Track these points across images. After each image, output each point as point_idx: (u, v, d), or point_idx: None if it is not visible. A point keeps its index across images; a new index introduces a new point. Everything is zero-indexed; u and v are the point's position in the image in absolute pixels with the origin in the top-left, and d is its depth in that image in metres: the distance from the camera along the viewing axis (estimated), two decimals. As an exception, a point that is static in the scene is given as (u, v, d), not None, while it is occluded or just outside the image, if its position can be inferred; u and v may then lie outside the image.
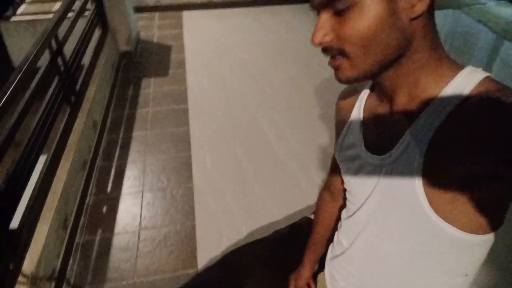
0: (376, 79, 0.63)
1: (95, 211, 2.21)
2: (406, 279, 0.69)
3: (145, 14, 4.75)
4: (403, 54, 0.56)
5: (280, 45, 4.10)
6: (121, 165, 2.54)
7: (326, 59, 0.64)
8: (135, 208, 2.24)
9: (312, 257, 1.05)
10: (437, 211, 0.58)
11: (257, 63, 3.75)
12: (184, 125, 2.89)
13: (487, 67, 3.88)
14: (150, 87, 3.35)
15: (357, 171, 0.71)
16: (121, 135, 2.81)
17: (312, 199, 2.25)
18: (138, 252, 1.98)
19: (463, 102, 0.54)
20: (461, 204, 0.56)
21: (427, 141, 0.56)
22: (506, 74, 3.73)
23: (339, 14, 0.54)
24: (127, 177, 2.46)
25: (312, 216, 1.33)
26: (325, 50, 0.59)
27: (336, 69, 0.59)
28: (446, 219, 0.58)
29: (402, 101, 0.61)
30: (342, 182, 0.84)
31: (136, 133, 2.82)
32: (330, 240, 0.99)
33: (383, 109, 0.66)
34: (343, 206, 0.94)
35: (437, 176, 0.56)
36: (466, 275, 0.66)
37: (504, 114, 0.48)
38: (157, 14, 4.84)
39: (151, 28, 4.47)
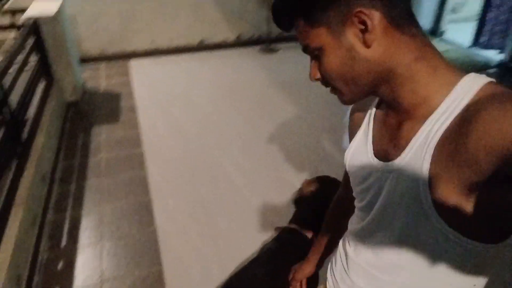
0: (375, 94, 0.67)
1: (50, 267, 2.04)
2: None
3: (91, 65, 4.69)
4: (384, 72, 0.61)
5: (232, 87, 4.22)
6: (75, 217, 2.39)
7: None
8: (95, 260, 2.09)
9: (317, 255, 1.10)
10: (444, 218, 0.58)
11: (211, 104, 3.81)
12: (141, 169, 2.82)
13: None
14: (101, 134, 3.26)
15: (365, 179, 0.72)
16: (73, 186, 2.66)
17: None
18: (102, 306, 1.84)
19: (465, 108, 0.54)
20: (468, 211, 0.55)
21: (433, 147, 0.57)
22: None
23: (316, 58, 0.65)
24: (83, 228, 2.31)
25: (291, 225, 1.35)
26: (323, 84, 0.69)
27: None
28: (453, 226, 0.58)
29: (406, 110, 0.63)
30: (352, 195, 0.85)
31: (90, 182, 2.70)
32: (335, 246, 1.03)
33: (390, 118, 0.68)
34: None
35: (443, 182, 0.56)
36: (475, 285, 0.66)
37: (504, 118, 0.48)
38: (102, 64, 4.81)
39: (98, 78, 4.41)
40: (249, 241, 2.19)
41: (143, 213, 2.41)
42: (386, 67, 0.60)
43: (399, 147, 0.63)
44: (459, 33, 5.11)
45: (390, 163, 0.65)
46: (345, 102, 0.69)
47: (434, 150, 0.57)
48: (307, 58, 0.68)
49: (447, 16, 5.21)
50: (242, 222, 2.35)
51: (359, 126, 0.77)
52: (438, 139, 0.56)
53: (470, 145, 0.51)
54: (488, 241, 0.59)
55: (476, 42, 4.85)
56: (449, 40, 5.14)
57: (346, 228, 1.01)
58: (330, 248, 1.09)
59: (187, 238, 2.22)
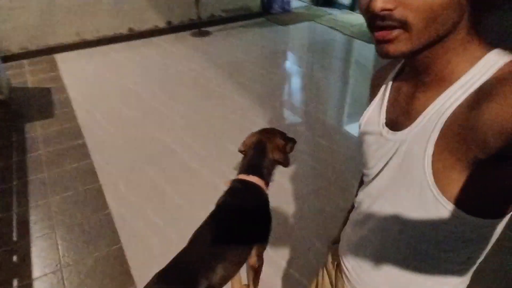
0: (414, 56, 0.60)
1: (4, 264, 1.99)
2: (411, 260, 0.70)
3: (13, 63, 4.42)
4: (452, 31, 0.55)
5: (168, 72, 4.23)
6: (22, 212, 2.33)
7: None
8: (51, 249, 2.08)
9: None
10: (442, 190, 0.58)
11: (148, 90, 3.80)
12: (86, 158, 2.79)
13: (345, 63, 4.58)
14: (36, 130, 3.14)
15: (373, 146, 0.72)
16: (14, 183, 2.57)
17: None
18: (66, 289, 1.86)
19: (483, 85, 0.53)
20: (468, 185, 0.56)
21: (443, 121, 0.57)
22: (361, 67, 4.45)
23: None
24: (33, 222, 2.27)
25: (239, 176, 1.49)
26: (383, 21, 0.54)
27: (389, 41, 0.56)
28: (451, 199, 0.58)
29: (429, 80, 0.61)
30: None
31: (32, 178, 2.62)
32: None
33: (408, 87, 0.67)
34: None
35: (448, 157, 0.56)
36: (469, 258, 0.67)
37: None
38: (25, 61, 4.55)
39: (23, 75, 4.18)
40: (204, 210, 2.30)
41: (95, 199, 2.42)
42: (457, 26, 0.55)
43: (411, 118, 0.63)
44: None
45: (399, 132, 0.65)
46: (394, 51, 0.56)
47: (444, 123, 0.56)
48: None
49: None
50: (196, 194, 2.45)
51: (377, 93, 0.77)
52: (450, 113, 0.56)
53: (482, 122, 0.49)
54: (486, 216, 0.59)
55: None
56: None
57: None
58: None
59: (143, 216, 2.28)
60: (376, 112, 0.74)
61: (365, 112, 0.78)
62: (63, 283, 1.89)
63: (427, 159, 0.58)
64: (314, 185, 2.54)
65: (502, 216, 0.60)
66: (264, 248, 1.54)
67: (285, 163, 1.59)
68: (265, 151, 1.58)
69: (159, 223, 2.23)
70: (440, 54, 0.58)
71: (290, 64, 4.63)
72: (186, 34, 5.27)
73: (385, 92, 0.73)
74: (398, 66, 0.73)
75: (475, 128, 0.50)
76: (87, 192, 2.47)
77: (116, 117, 3.33)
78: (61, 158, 2.80)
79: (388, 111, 0.71)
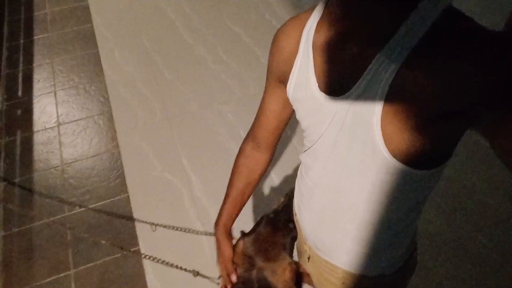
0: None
1: (10, 115, 2.28)
2: (365, 215, 0.68)
3: None
4: None
5: None
6: (28, 70, 2.53)
7: None
8: (50, 107, 2.32)
9: (230, 223, 0.91)
10: (391, 150, 0.55)
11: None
12: (87, 22, 2.83)
13: None
14: (43, -13, 3.14)
15: (312, 114, 0.67)
16: (22, 41, 2.72)
17: (218, 77, 2.44)
18: (61, 144, 2.14)
19: (427, 38, 0.49)
20: (417, 142, 0.54)
21: (390, 79, 0.51)
22: None
23: None
24: (36, 80, 2.47)
25: None
26: None
27: None
28: (399, 157, 0.56)
29: (365, 34, 0.55)
30: (269, 130, 0.83)
31: (38, 37, 2.74)
32: (245, 199, 0.91)
33: (338, 45, 0.59)
34: (268, 158, 0.89)
35: (397, 116, 0.52)
36: (418, 206, 0.68)
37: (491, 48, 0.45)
38: None
39: None
40: (190, 87, 2.40)
41: (92, 65, 2.55)
42: None
43: (352, 78, 0.57)
44: None
45: (340, 97, 0.59)
46: None
47: (391, 84, 0.51)
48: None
49: None
50: (186, 72, 2.52)
51: (293, 50, 0.67)
52: (395, 71, 0.51)
53: (441, 78, 0.47)
54: (430, 167, 0.59)
55: None
56: None
57: (259, 178, 0.91)
58: (241, 206, 0.92)
59: (133, 87, 2.42)
60: (303, 75, 0.66)
61: (291, 75, 0.68)
62: (59, 139, 2.17)
63: (376, 122, 0.54)
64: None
65: (443, 163, 0.60)
66: None
67: None
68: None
69: (147, 96, 2.38)
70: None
71: None
72: None
73: (308, 52, 0.64)
74: (313, 22, 0.64)
75: (439, 78, 0.48)
76: (85, 57, 2.60)
77: (122, -21, 3.23)
78: (65, 19, 2.86)
79: (318, 74, 0.63)
